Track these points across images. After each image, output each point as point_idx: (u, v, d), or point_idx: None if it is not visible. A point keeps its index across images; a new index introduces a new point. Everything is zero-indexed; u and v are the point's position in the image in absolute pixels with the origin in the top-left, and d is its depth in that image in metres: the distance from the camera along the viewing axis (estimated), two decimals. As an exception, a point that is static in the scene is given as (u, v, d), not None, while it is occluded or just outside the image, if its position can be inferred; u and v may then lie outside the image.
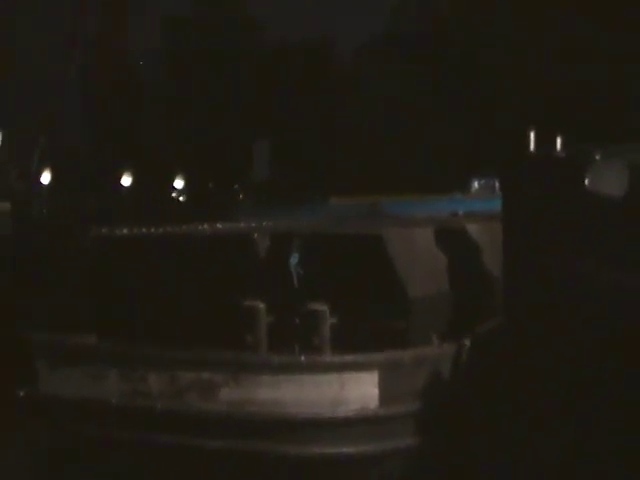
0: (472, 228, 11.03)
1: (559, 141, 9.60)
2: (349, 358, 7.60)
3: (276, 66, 47.80)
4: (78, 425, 6.83)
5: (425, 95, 43.30)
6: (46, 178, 40.50)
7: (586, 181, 8.24)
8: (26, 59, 42.09)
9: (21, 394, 6.93)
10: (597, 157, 8.38)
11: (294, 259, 9.10)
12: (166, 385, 6.83)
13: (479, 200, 18.33)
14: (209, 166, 51.57)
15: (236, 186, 47.89)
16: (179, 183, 55.19)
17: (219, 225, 10.57)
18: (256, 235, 9.15)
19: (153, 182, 50.37)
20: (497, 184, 44.74)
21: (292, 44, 50.17)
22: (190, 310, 7.98)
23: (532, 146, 9.52)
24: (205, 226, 10.07)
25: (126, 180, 51.47)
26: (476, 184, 44.56)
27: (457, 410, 8.19)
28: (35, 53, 42.44)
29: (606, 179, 8.28)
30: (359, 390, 7.64)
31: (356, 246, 8.99)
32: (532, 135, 9.53)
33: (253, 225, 10.62)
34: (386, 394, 7.76)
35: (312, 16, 50.62)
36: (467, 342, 8.95)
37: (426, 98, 43.21)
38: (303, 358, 7.32)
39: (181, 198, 54.42)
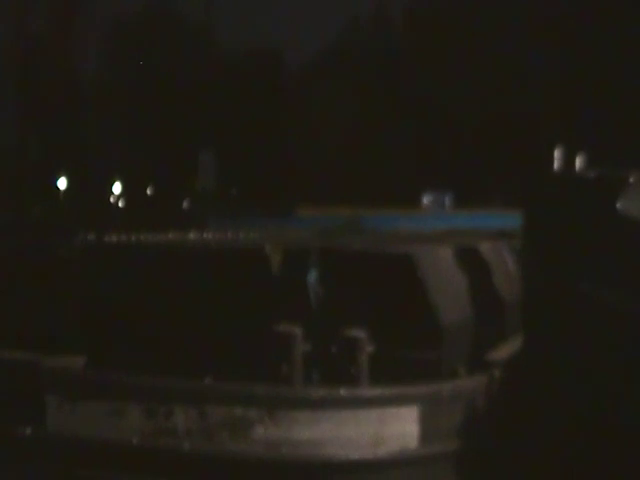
0: (483, 246, 10.45)
1: (579, 160, 9.11)
2: (390, 391, 6.82)
3: (227, 75, 46.89)
4: (93, 469, 5.88)
5: (377, 109, 43.03)
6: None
7: (618, 204, 7.73)
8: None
9: (26, 432, 5.92)
10: (631, 179, 7.90)
11: (311, 277, 8.26)
12: (194, 423, 5.93)
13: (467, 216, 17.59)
14: (150, 172, 50.34)
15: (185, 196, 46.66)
16: (117, 188, 53.72)
17: (218, 235, 9.70)
18: (268, 248, 8.27)
19: (91, 186, 48.87)
20: (447, 200, 44.53)
21: (242, 54, 49.33)
22: (210, 334, 7.05)
23: (556, 165, 8.98)
24: (205, 235, 9.17)
25: (62, 183, 49.81)
26: (425, 200, 44.35)
27: (495, 447, 7.54)
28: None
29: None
30: (399, 428, 6.87)
31: (380, 264, 8.20)
32: (556, 153, 8.98)
33: (258, 236, 9.76)
34: (426, 432, 7.02)
35: (263, 27, 49.99)
36: (496, 372, 8.32)
37: (378, 112, 42.93)
38: (343, 392, 6.49)
39: (120, 204, 52.97)
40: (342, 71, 44.13)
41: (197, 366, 6.84)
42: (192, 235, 10.26)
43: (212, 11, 51.41)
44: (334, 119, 42.82)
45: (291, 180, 41.47)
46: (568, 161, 9.00)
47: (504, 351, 9.00)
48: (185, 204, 45.36)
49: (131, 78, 48.65)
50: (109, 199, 51.75)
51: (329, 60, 45.91)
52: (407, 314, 7.90)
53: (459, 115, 41.73)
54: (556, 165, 8.98)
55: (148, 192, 52.58)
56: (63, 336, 8.02)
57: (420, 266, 8.03)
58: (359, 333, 6.88)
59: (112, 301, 8.08)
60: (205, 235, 10.27)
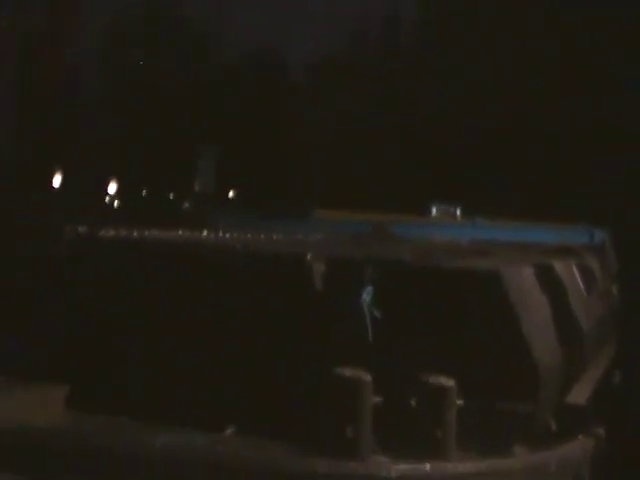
0: (559, 265, 8.55)
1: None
2: (490, 465, 4.89)
3: (229, 74, 45.09)
4: None
5: (387, 112, 41.35)
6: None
7: None
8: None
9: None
10: None
11: (367, 296, 6.31)
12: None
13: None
14: (147, 173, 48.60)
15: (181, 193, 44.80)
16: (113, 188, 52.03)
17: (236, 236, 7.73)
18: (309, 257, 6.31)
19: (87, 185, 47.12)
20: (458, 211, 42.91)
21: (244, 53, 47.63)
22: (235, 371, 5.08)
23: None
24: (221, 235, 7.23)
25: (57, 181, 48.09)
26: (435, 210, 42.59)
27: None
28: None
29: None
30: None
31: (460, 285, 6.26)
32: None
33: (287, 240, 7.79)
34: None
35: (267, 27, 48.29)
36: (601, 432, 6.41)
37: (388, 115, 41.25)
38: (430, 466, 4.55)
39: (115, 204, 51.19)
40: (351, 72, 42.44)
41: (216, 412, 4.91)
42: (206, 234, 8.31)
43: (214, 10, 49.75)
44: (339, 121, 41.12)
45: (302, 181, 39.59)
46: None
47: (588, 392, 7.19)
48: (186, 205, 43.43)
49: (129, 77, 46.84)
50: (104, 199, 49.99)
51: (337, 61, 44.19)
52: (496, 352, 5.99)
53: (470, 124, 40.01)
54: None
55: (144, 193, 50.87)
56: (38, 359, 6.11)
57: (512, 289, 6.11)
58: (446, 381, 4.95)
59: (106, 314, 6.14)
60: (221, 235, 8.29)
